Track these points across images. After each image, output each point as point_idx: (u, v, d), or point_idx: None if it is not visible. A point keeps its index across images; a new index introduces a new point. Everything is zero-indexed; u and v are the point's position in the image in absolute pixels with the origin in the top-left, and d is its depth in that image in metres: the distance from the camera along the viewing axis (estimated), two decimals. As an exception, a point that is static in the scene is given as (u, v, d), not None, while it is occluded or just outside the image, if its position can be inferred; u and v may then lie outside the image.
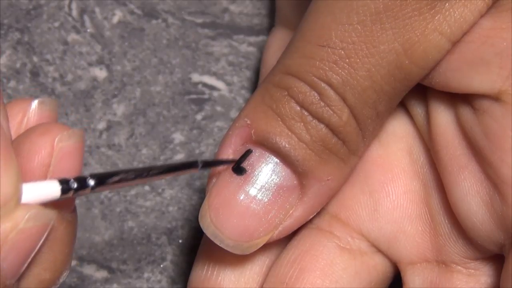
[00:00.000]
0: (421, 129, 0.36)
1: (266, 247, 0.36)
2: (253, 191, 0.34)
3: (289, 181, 0.34)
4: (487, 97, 0.32)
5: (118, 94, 0.48)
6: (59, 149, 0.29)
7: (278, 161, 0.34)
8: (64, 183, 0.28)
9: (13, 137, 0.30)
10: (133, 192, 0.47)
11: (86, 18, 0.49)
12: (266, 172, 0.34)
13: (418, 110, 0.36)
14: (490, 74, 0.32)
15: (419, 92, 0.35)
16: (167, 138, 0.48)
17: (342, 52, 0.32)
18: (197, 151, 0.47)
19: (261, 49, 0.48)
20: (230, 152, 0.35)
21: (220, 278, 0.37)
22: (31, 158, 0.29)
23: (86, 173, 0.30)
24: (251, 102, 0.35)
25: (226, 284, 0.37)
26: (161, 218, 0.46)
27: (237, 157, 0.35)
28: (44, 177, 0.29)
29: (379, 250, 0.37)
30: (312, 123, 0.33)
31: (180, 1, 0.50)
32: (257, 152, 0.34)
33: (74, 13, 0.49)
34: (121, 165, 0.47)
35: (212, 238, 0.35)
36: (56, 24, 0.49)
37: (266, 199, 0.34)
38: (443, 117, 0.35)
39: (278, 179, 0.34)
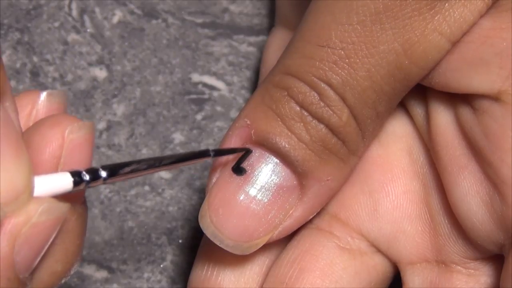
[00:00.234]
0: (421, 129, 0.36)
1: (266, 247, 0.36)
2: (253, 191, 0.34)
3: (289, 181, 0.34)
4: (487, 97, 0.32)
5: (118, 94, 0.48)
6: (70, 141, 0.29)
7: (278, 161, 0.34)
8: (76, 175, 0.28)
9: (23, 129, 0.30)
10: (133, 192, 0.47)
11: (86, 18, 0.49)
12: (266, 172, 0.34)
13: (418, 110, 0.36)
14: (490, 74, 0.32)
15: (419, 92, 0.35)
16: (167, 138, 0.48)
17: (342, 52, 0.32)
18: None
19: (261, 49, 0.48)
20: (230, 152, 0.35)
21: (220, 278, 0.37)
22: (41, 150, 0.29)
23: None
24: (251, 102, 0.35)
25: (226, 284, 0.37)
26: (161, 218, 0.46)
27: (237, 157, 0.35)
28: (55, 169, 0.29)
29: (379, 250, 0.37)
30: (312, 123, 0.33)
31: (180, 1, 0.50)
32: (257, 152, 0.34)
33: (74, 13, 0.49)
34: (121, 165, 0.47)
35: (212, 238, 0.35)
36: (56, 24, 0.49)
37: (266, 199, 0.34)
38: (443, 117, 0.35)
39: (278, 179, 0.34)
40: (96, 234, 0.46)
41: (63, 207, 0.28)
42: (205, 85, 0.49)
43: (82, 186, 0.28)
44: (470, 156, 0.34)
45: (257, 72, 0.48)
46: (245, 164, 0.35)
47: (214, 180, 0.35)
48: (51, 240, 0.28)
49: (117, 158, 0.47)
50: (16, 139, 0.27)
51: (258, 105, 0.34)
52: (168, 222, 0.46)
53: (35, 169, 0.28)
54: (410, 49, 0.32)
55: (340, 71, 0.32)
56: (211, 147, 0.34)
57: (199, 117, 0.48)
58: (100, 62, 0.49)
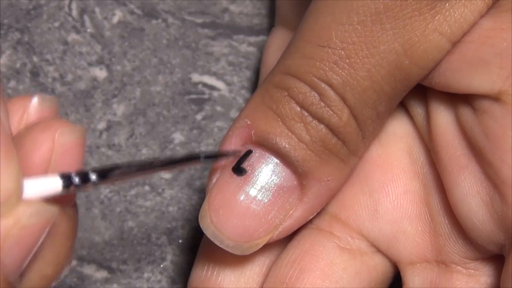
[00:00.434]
0: (421, 129, 0.36)
1: (266, 247, 0.36)
2: (253, 192, 0.34)
3: (289, 182, 0.34)
4: (487, 97, 0.32)
5: (118, 94, 0.48)
6: (60, 144, 0.29)
7: (278, 161, 0.34)
8: (66, 177, 0.28)
9: (14, 133, 0.30)
10: (133, 192, 0.47)
11: (86, 18, 0.49)
12: (266, 173, 0.34)
13: (418, 110, 0.36)
14: (490, 74, 0.32)
15: (419, 92, 0.35)
16: (167, 138, 0.48)
17: (342, 53, 0.32)
18: (197, 151, 0.47)
19: (261, 49, 0.48)
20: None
21: (220, 278, 0.37)
22: (32, 153, 0.29)
23: (86, 172, 0.30)
24: (251, 102, 0.35)
25: (226, 284, 0.37)
26: (161, 218, 0.46)
27: (237, 157, 0.35)
28: (45, 172, 0.29)
29: (379, 250, 0.37)
30: (312, 123, 0.33)
31: (180, 1, 0.50)
32: (257, 153, 0.34)
33: (74, 13, 0.49)
34: (121, 165, 0.47)
35: (212, 239, 0.35)
36: (56, 24, 0.49)
37: (266, 200, 0.34)
38: (443, 118, 0.35)
39: (278, 180, 0.34)
40: (96, 234, 0.46)
41: (53, 209, 0.28)
42: (205, 85, 0.49)
43: (71, 189, 0.28)
44: (471, 156, 0.34)
45: (257, 72, 0.48)
46: (245, 165, 0.35)
47: (214, 180, 0.35)
48: (40, 242, 0.28)
49: (117, 158, 0.47)
50: (6, 142, 0.27)
51: (258, 105, 0.34)
52: (168, 222, 0.46)
53: (25, 172, 0.28)
54: (411, 49, 0.32)
55: (340, 71, 0.32)
56: (208, 148, 0.34)
57: (199, 117, 0.48)
58: (100, 62, 0.49)
